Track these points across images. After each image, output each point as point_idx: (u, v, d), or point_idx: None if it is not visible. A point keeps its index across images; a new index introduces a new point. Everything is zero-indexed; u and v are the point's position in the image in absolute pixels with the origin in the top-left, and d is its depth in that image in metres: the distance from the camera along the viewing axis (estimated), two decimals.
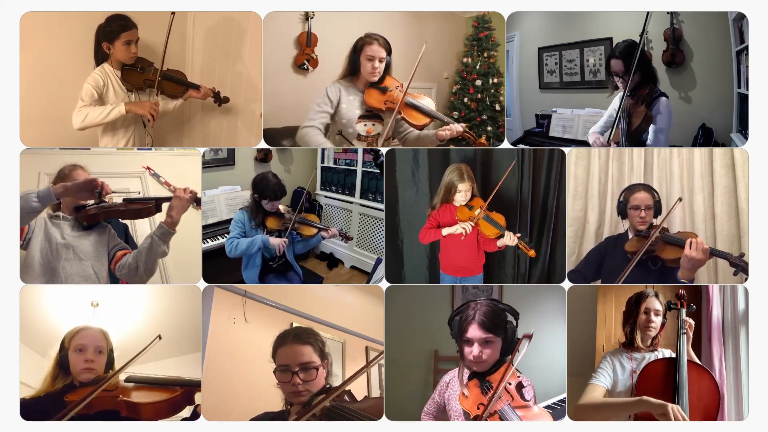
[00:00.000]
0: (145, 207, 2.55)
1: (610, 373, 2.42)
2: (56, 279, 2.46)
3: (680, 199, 2.69)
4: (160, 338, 2.39)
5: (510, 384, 2.00)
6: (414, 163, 3.11)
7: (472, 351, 2.02)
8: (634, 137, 2.80)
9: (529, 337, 1.99)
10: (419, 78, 2.87)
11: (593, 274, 2.76)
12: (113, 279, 2.61)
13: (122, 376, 2.32)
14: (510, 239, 2.74)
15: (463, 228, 2.79)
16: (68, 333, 2.36)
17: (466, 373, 2.09)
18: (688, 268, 2.43)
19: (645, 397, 2.19)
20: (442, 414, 2.20)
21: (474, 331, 2.01)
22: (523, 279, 3.14)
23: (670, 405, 2.12)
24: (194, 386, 2.35)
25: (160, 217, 2.51)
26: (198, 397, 2.37)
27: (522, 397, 1.99)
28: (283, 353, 1.94)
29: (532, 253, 2.74)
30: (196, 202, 2.49)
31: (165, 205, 2.49)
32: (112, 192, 2.57)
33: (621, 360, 2.45)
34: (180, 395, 2.27)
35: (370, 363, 2.11)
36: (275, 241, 3.04)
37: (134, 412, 2.20)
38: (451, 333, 2.12)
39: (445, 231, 2.86)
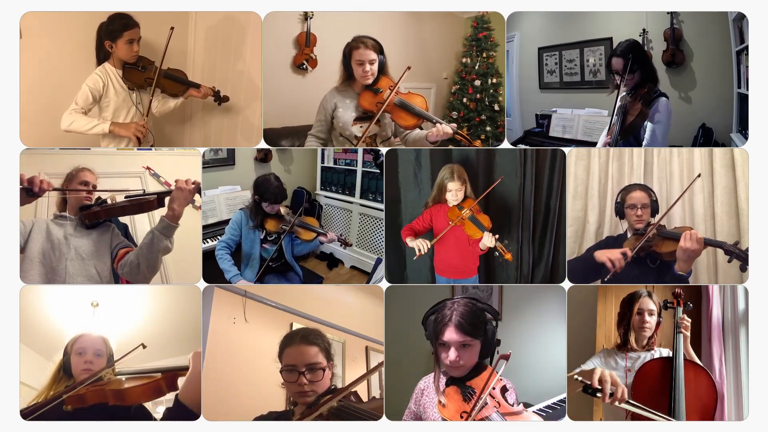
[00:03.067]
0: (147, 201, 2.51)
1: (599, 364, 2.44)
2: (58, 279, 2.45)
3: (699, 175, 2.73)
4: (144, 347, 2.35)
5: (494, 388, 1.89)
6: (416, 163, 3.11)
7: (449, 356, 1.89)
8: (629, 132, 2.79)
9: (506, 357, 1.87)
10: (418, 78, 2.87)
11: (592, 271, 2.75)
12: (116, 278, 2.60)
13: (115, 371, 2.33)
14: (489, 240, 2.70)
15: (418, 246, 2.75)
16: (71, 339, 2.37)
17: (443, 379, 1.97)
18: (684, 260, 2.44)
19: (573, 374, 2.15)
20: None
21: (450, 335, 1.88)
22: (525, 280, 3.14)
23: (598, 369, 2.07)
24: (176, 371, 2.32)
25: (159, 213, 2.49)
26: (180, 382, 2.34)
27: (506, 400, 1.90)
28: (290, 353, 1.95)
29: (508, 256, 2.71)
30: (198, 193, 2.43)
31: (167, 200, 2.42)
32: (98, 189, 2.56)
33: (616, 358, 2.47)
34: (162, 379, 2.26)
35: (374, 369, 2.10)
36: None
37: (120, 399, 2.20)
38: (426, 334, 1.99)
39: (408, 240, 2.84)
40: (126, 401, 2.21)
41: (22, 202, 2.35)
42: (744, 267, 2.41)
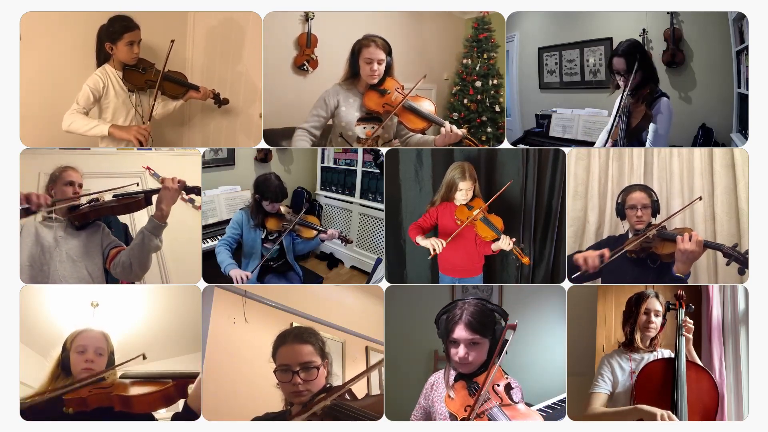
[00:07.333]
0: (134, 201, 2.52)
1: (609, 377, 2.44)
2: (48, 282, 2.44)
3: (700, 198, 2.74)
4: (144, 357, 2.34)
5: (498, 385, 1.97)
6: (417, 162, 3.10)
7: (458, 352, 1.98)
8: (633, 135, 2.80)
9: (513, 327, 1.95)
10: (418, 79, 2.87)
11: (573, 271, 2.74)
12: (108, 279, 2.60)
13: (118, 373, 2.32)
14: (505, 243, 2.69)
15: (432, 246, 2.73)
16: (70, 335, 2.36)
17: (452, 374, 2.05)
18: (683, 261, 2.44)
19: (639, 405, 2.26)
20: (429, 418, 2.16)
21: (460, 332, 1.97)
22: (526, 280, 3.13)
23: (660, 411, 2.16)
24: (187, 378, 2.33)
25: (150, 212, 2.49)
26: (190, 389, 2.34)
27: (511, 398, 1.96)
28: (284, 353, 1.94)
29: (526, 260, 2.71)
30: (186, 191, 2.45)
31: (155, 198, 2.44)
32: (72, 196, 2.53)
33: (620, 362, 2.46)
34: (173, 387, 2.25)
35: (372, 368, 2.10)
36: (234, 273, 2.87)
37: (127, 406, 2.18)
38: (438, 332, 2.08)
39: (419, 239, 2.81)
40: (133, 409, 2.18)
41: (22, 216, 2.38)
42: (743, 270, 2.41)
